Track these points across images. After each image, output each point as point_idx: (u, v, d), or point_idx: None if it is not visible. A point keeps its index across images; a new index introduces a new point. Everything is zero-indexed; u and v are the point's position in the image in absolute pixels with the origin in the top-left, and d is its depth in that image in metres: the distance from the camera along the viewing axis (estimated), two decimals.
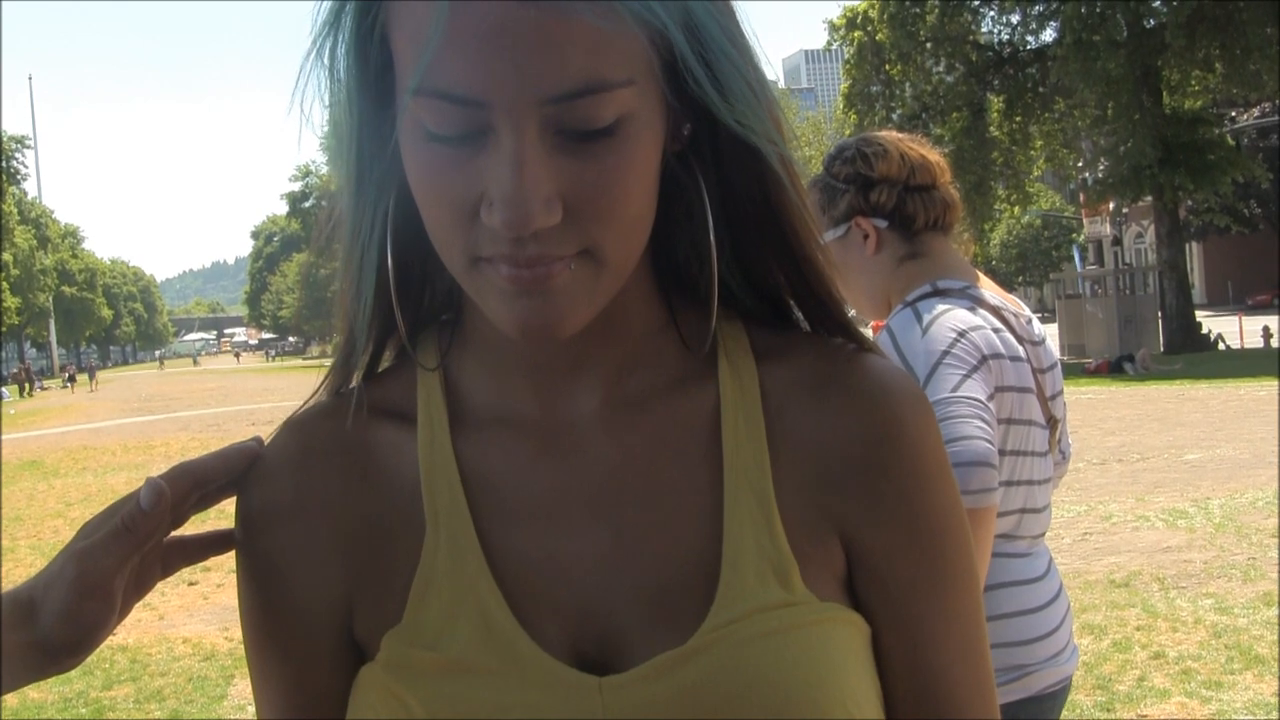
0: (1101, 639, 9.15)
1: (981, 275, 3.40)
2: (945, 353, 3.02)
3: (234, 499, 1.40)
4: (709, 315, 1.36)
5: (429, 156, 1.16)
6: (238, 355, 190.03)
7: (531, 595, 1.28)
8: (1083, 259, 71.78)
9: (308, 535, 1.35)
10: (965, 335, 3.06)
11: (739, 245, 1.37)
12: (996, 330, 3.16)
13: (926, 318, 3.11)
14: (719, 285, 1.35)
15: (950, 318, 3.10)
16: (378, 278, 1.33)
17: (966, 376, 2.99)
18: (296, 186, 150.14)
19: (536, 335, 1.19)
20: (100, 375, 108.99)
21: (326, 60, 1.23)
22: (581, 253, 1.17)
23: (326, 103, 1.25)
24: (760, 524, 1.29)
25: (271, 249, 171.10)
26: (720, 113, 1.22)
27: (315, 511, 1.35)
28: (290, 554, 1.35)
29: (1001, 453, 3.11)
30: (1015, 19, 52.27)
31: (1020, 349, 3.21)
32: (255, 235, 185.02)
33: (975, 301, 3.22)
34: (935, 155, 3.42)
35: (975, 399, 2.97)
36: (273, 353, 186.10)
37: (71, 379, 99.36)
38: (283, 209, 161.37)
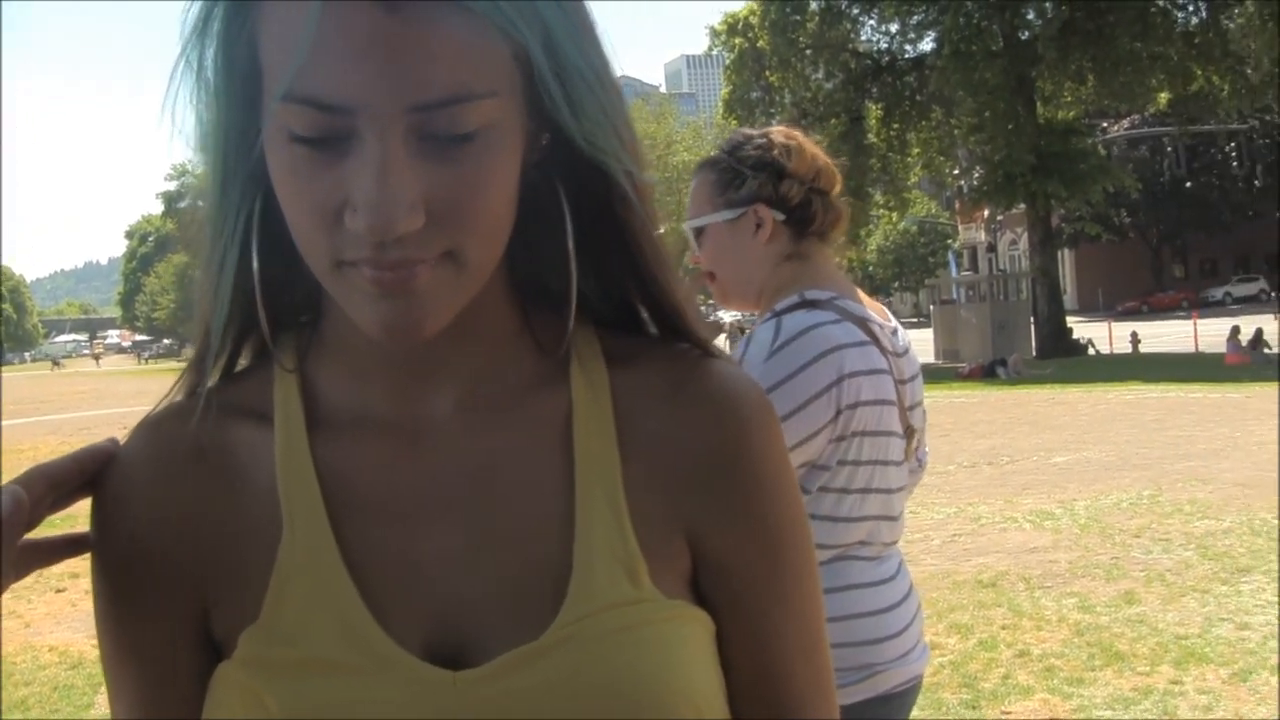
0: (968, 638, 9.25)
1: (852, 285, 3.44)
2: (791, 376, 3.09)
3: (89, 500, 1.38)
4: (563, 320, 1.39)
5: (294, 161, 1.16)
6: (97, 358, 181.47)
7: (389, 593, 1.30)
8: (958, 265, 72.06)
9: (162, 535, 1.34)
10: (822, 357, 3.12)
11: (592, 254, 1.39)
12: (860, 344, 3.20)
13: (786, 333, 3.15)
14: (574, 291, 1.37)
15: (810, 338, 3.14)
16: (236, 279, 1.33)
17: (806, 404, 3.09)
18: (172, 186, 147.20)
19: (399, 335, 1.21)
20: None
21: (195, 64, 1.23)
22: (443, 255, 1.19)
23: (195, 106, 1.26)
24: (610, 523, 1.32)
25: (146, 249, 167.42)
26: (569, 129, 1.25)
27: (170, 512, 1.35)
28: (144, 554, 1.34)
29: (858, 463, 3.17)
30: (894, 28, 52.66)
31: (883, 361, 3.25)
32: (129, 235, 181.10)
33: (841, 313, 3.24)
34: (833, 164, 3.46)
35: (802, 428, 3.09)
36: (146, 355, 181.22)
37: None
38: (158, 208, 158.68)
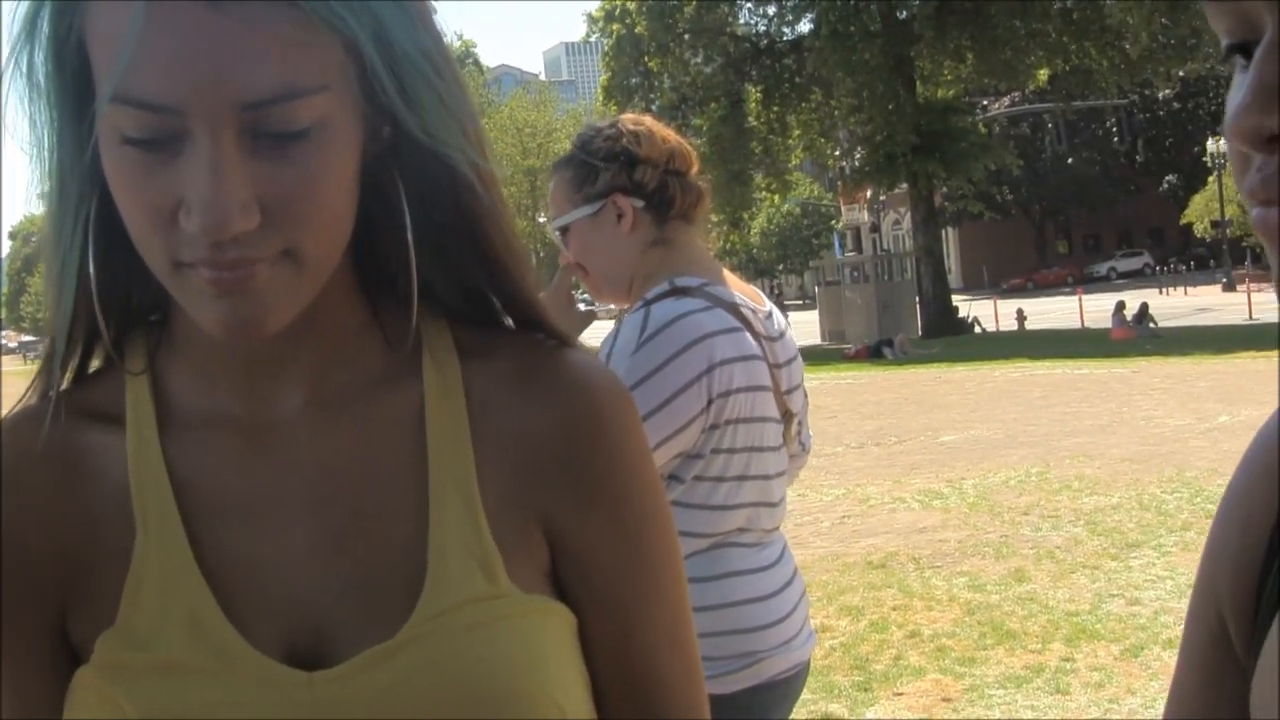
0: (859, 620, 9.25)
1: (724, 269, 3.43)
2: (660, 367, 3.08)
3: None
4: (411, 314, 1.37)
5: (127, 162, 1.15)
6: None
7: (243, 594, 1.28)
8: (842, 246, 72.72)
9: (16, 540, 1.32)
10: (691, 346, 3.10)
11: (440, 246, 1.37)
12: (731, 330, 3.19)
13: (655, 323, 3.14)
14: (422, 284, 1.36)
15: (679, 327, 3.13)
16: (79, 282, 1.31)
17: (677, 395, 3.07)
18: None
19: (239, 334, 1.20)
20: None
21: (25, 67, 1.21)
22: (281, 253, 1.18)
23: (27, 110, 1.24)
24: (464, 519, 1.31)
25: (29, 250, 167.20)
26: (405, 122, 1.24)
27: (23, 516, 1.33)
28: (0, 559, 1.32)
29: (733, 451, 3.17)
30: (771, 10, 53.02)
31: (755, 347, 3.24)
32: (13, 236, 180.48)
33: (711, 300, 3.23)
34: (687, 144, 3.44)
35: (673, 419, 3.07)
36: (31, 355, 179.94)
37: None
38: (40, 208, 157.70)
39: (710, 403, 3.11)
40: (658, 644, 1.41)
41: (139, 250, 1.21)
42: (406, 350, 1.39)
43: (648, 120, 3.43)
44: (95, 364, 1.43)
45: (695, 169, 3.44)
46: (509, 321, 1.46)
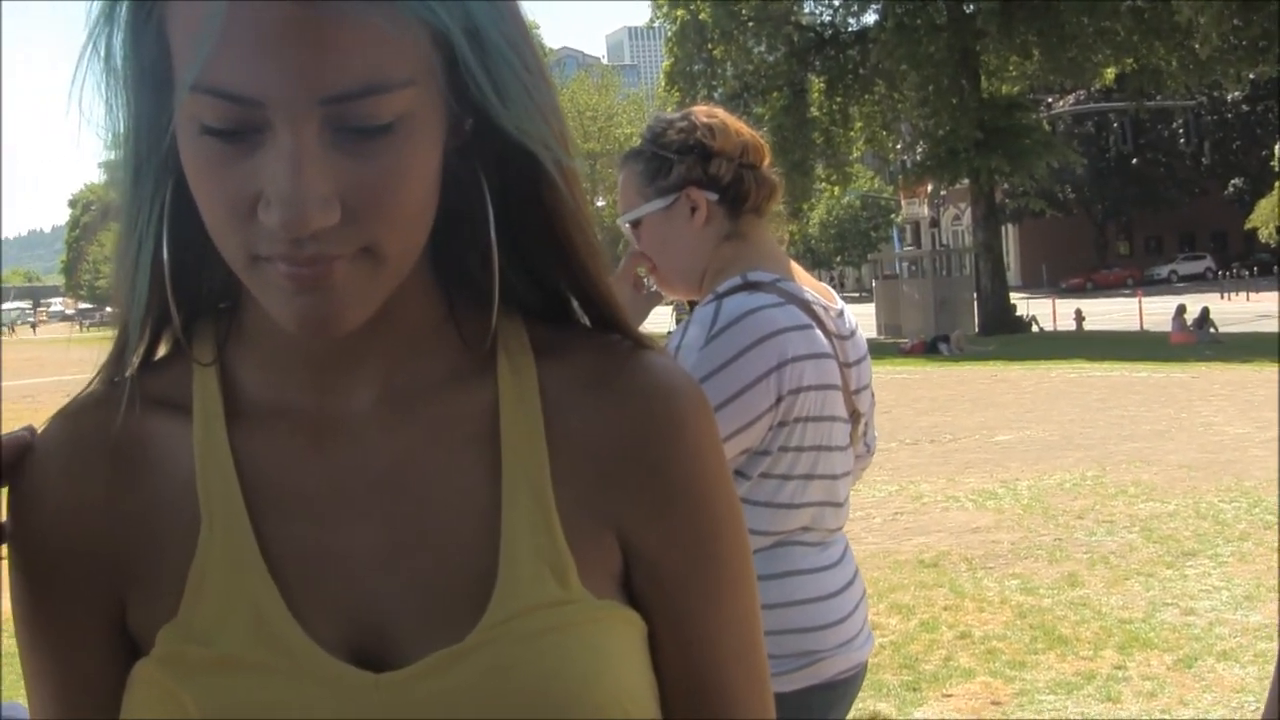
0: (909, 619, 9.23)
1: (795, 266, 3.40)
2: (730, 360, 3.05)
3: (4, 490, 1.35)
4: (488, 312, 1.34)
5: (206, 153, 1.13)
6: (34, 327, 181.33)
7: (308, 591, 1.26)
8: (901, 240, 72.87)
9: (78, 528, 1.31)
10: (763, 341, 3.08)
11: (519, 243, 1.35)
12: (803, 327, 3.16)
13: (726, 316, 3.11)
14: (501, 281, 1.33)
15: (751, 321, 3.10)
16: (152, 270, 1.29)
17: (746, 390, 3.05)
18: (114, 155, 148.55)
19: (316, 330, 1.18)
20: None
21: (102, 52, 1.19)
22: (361, 250, 1.16)
23: (104, 95, 1.22)
24: (538, 522, 1.28)
25: (89, 218, 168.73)
26: (497, 116, 1.21)
27: (86, 505, 1.31)
28: (61, 547, 1.31)
29: (800, 449, 3.15)
30: (837, 1, 52.79)
31: (827, 345, 3.21)
32: (73, 204, 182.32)
33: (785, 296, 3.20)
34: (759, 136, 3.42)
35: (741, 415, 3.05)
36: (87, 323, 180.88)
37: None
38: (101, 177, 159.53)
39: (779, 399, 3.08)
40: (727, 651, 1.39)
41: (215, 241, 1.19)
42: (484, 349, 1.37)
43: (720, 112, 3.40)
44: (160, 351, 1.41)
45: (767, 161, 3.40)
46: (585, 320, 1.43)
